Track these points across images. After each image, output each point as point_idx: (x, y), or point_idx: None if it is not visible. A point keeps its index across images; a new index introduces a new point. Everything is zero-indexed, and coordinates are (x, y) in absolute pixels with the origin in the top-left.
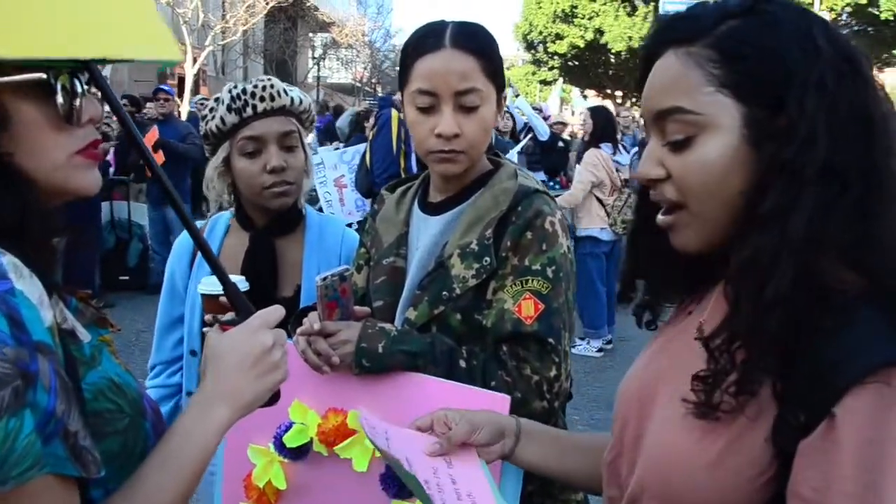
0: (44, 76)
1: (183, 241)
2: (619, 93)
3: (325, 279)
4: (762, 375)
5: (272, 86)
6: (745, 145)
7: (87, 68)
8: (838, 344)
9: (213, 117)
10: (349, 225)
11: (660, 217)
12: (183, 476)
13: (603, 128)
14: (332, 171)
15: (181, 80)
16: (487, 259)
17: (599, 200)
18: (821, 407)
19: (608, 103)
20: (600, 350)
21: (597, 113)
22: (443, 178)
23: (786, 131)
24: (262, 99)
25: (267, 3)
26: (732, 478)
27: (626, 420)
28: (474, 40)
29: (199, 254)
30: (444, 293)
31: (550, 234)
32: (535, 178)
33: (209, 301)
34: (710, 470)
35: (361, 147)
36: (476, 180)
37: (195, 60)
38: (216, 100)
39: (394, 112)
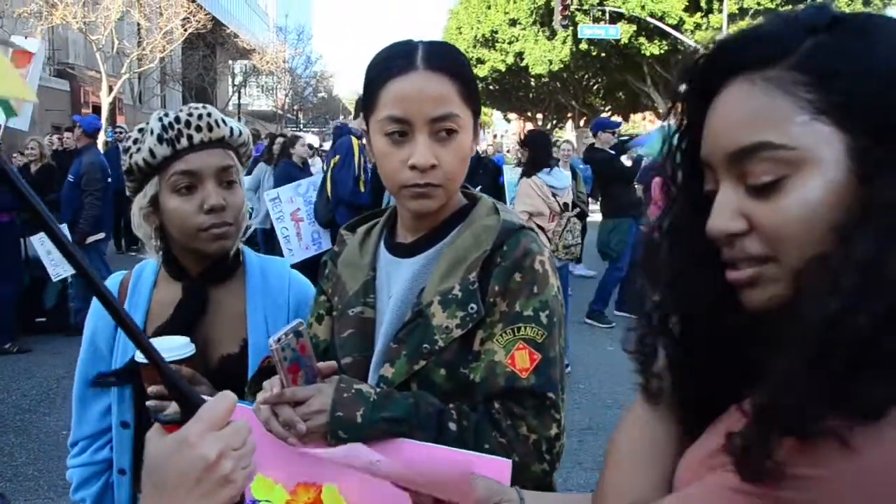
0: None
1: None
2: (539, 115)
3: (279, 340)
4: None
5: (209, 114)
6: (852, 182)
7: None
8: None
9: (139, 150)
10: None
11: (733, 273)
12: None
13: (541, 157)
14: (289, 204)
15: (96, 109)
16: (473, 306)
17: (541, 228)
18: None
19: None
20: None
21: (534, 140)
22: (415, 216)
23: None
24: (198, 129)
25: (185, 30)
26: None
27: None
28: (449, 61)
29: (126, 304)
30: (426, 346)
31: (541, 274)
32: (517, 213)
33: (150, 371)
34: None
35: (317, 179)
36: (451, 217)
37: (111, 89)
38: (140, 130)
39: (353, 139)
